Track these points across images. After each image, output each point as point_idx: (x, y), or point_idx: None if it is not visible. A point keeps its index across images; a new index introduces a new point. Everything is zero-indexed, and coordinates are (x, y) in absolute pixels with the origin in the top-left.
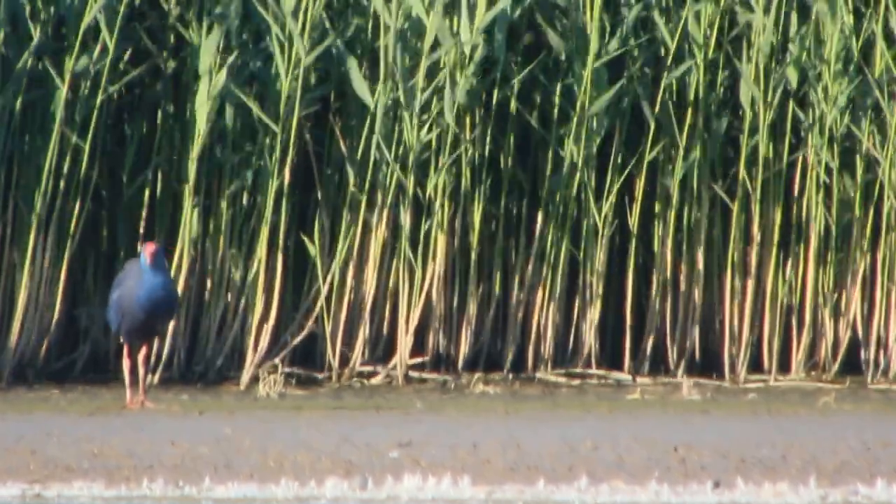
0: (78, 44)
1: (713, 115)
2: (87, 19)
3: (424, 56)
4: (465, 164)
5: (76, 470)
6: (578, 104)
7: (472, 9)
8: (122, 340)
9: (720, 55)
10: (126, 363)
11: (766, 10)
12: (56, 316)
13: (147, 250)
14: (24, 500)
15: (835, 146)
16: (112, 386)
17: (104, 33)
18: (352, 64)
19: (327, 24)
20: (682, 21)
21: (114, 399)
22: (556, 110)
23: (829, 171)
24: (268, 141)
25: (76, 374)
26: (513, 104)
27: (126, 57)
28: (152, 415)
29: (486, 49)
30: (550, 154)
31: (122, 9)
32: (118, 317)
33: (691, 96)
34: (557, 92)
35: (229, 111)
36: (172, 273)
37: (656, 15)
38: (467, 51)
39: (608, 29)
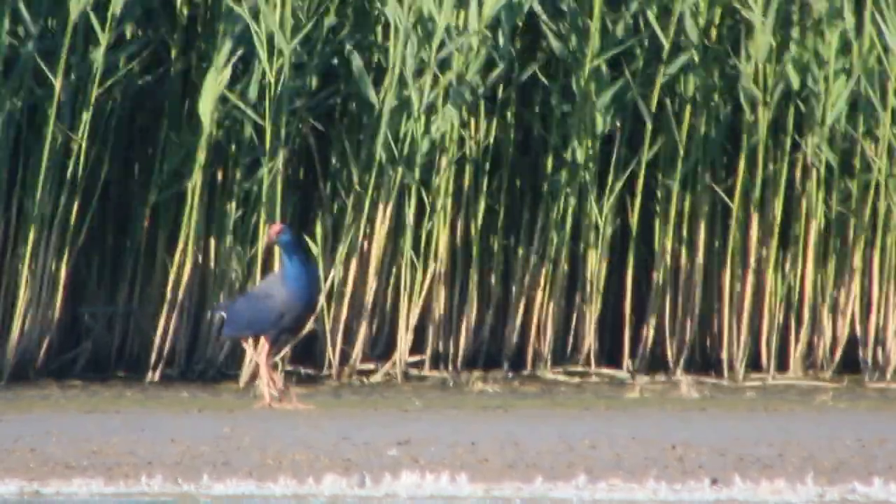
0: (67, 42)
1: (713, 114)
2: (73, 16)
3: (433, 55)
4: (469, 162)
5: (75, 467)
6: (579, 102)
7: (480, 3)
8: (266, 341)
9: (719, 53)
10: (266, 361)
11: (766, 9)
12: (57, 314)
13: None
14: (22, 498)
15: (834, 144)
16: (112, 384)
17: (97, 31)
18: (358, 63)
19: (331, 19)
20: (677, 18)
21: (113, 397)
22: (556, 109)
23: (828, 169)
24: (269, 140)
25: (76, 372)
26: (513, 103)
27: (130, 57)
28: (152, 412)
29: (491, 47)
30: (551, 153)
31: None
32: (274, 317)
33: (690, 94)
34: (557, 90)
35: (233, 111)
36: (175, 271)
37: (650, 13)
38: (475, 44)
39: (609, 27)
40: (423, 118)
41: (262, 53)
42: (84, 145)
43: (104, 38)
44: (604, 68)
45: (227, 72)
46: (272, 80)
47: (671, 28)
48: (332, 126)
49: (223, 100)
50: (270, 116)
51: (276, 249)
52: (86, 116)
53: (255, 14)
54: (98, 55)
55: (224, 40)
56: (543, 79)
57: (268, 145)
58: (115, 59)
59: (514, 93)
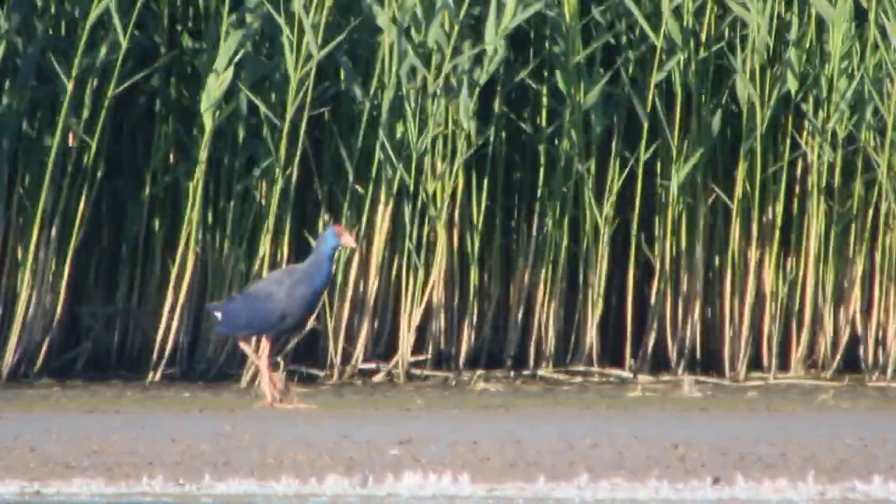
0: (84, 40)
1: (710, 115)
2: (93, 15)
3: (423, 56)
4: (461, 162)
5: (76, 467)
6: (567, 101)
7: (498, 14)
8: (265, 340)
9: (713, 53)
10: (267, 361)
11: (762, 9)
12: (58, 313)
13: (342, 231)
14: (22, 498)
15: (837, 146)
16: (112, 383)
17: (117, 29)
18: (350, 64)
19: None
20: (669, 19)
21: (114, 397)
22: (545, 109)
23: (830, 170)
24: (272, 138)
25: (77, 371)
26: (502, 104)
27: (134, 54)
28: (152, 412)
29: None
30: (543, 152)
31: (136, 7)
32: (275, 318)
33: (685, 95)
34: (545, 90)
35: (235, 109)
36: (176, 270)
37: (634, 8)
38: (490, 51)
39: (588, 26)
40: (417, 119)
41: (290, 57)
42: (94, 145)
43: (124, 41)
44: (588, 66)
45: (230, 71)
46: (294, 85)
47: (661, 28)
48: (329, 124)
49: (228, 97)
50: (290, 119)
51: (285, 252)
52: (101, 116)
53: (281, 11)
54: (118, 55)
55: (228, 38)
56: (533, 79)
57: (283, 149)
58: (119, 58)
59: (510, 92)
